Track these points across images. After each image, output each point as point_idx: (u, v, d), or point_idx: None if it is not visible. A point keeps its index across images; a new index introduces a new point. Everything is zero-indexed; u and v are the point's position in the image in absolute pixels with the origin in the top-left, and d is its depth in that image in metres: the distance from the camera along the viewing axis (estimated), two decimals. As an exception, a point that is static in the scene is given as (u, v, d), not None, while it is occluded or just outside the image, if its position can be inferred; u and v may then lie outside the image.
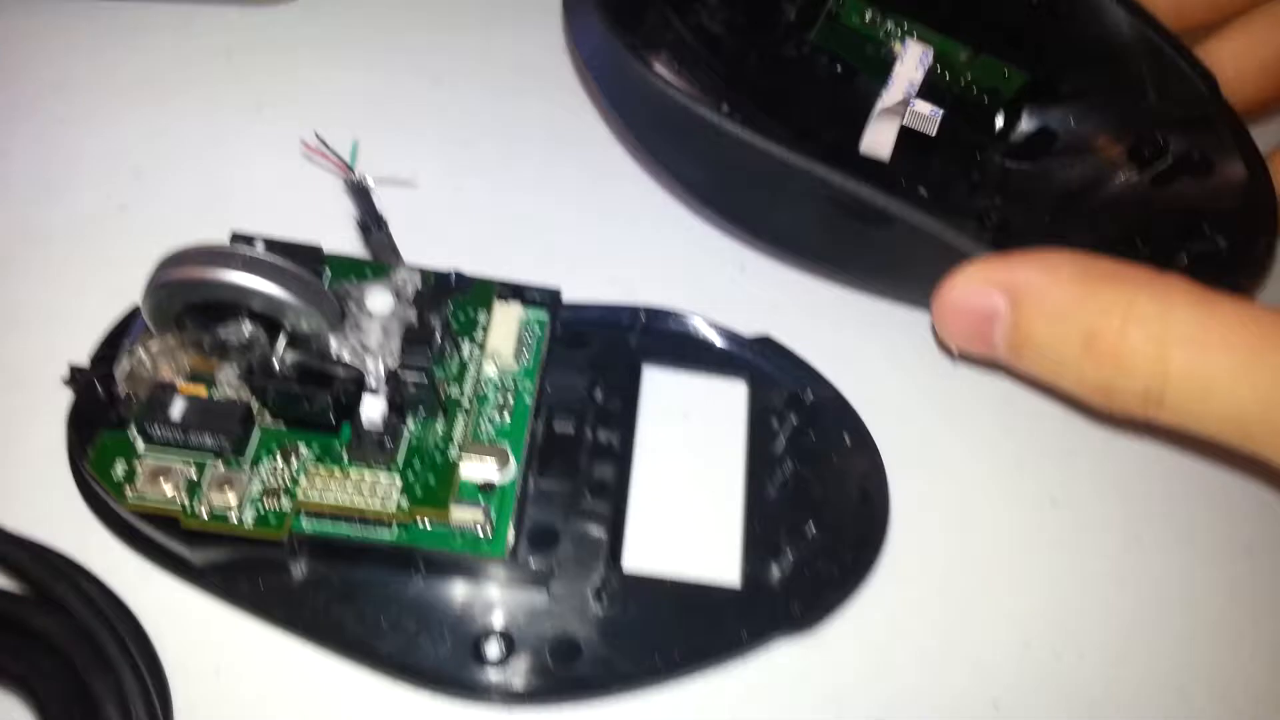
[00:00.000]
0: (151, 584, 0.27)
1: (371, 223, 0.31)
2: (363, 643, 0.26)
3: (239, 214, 0.34)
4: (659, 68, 0.32)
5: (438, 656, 0.26)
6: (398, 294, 0.26)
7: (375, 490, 0.26)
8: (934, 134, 0.32)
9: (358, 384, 0.26)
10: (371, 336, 0.26)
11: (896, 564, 0.30)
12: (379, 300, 0.26)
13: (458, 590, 0.28)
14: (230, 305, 0.25)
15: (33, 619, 0.23)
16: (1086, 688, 0.29)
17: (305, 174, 0.36)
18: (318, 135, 0.32)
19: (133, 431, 0.26)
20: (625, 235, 0.37)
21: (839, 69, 0.37)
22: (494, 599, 0.28)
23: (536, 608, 0.28)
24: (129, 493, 0.25)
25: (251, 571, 0.26)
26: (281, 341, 0.25)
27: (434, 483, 0.26)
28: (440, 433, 0.27)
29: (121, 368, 0.26)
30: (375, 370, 0.25)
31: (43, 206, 0.34)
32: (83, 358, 0.29)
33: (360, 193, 0.32)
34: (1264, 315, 0.23)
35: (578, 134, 0.39)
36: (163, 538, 0.26)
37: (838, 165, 0.30)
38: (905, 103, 0.33)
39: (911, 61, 0.35)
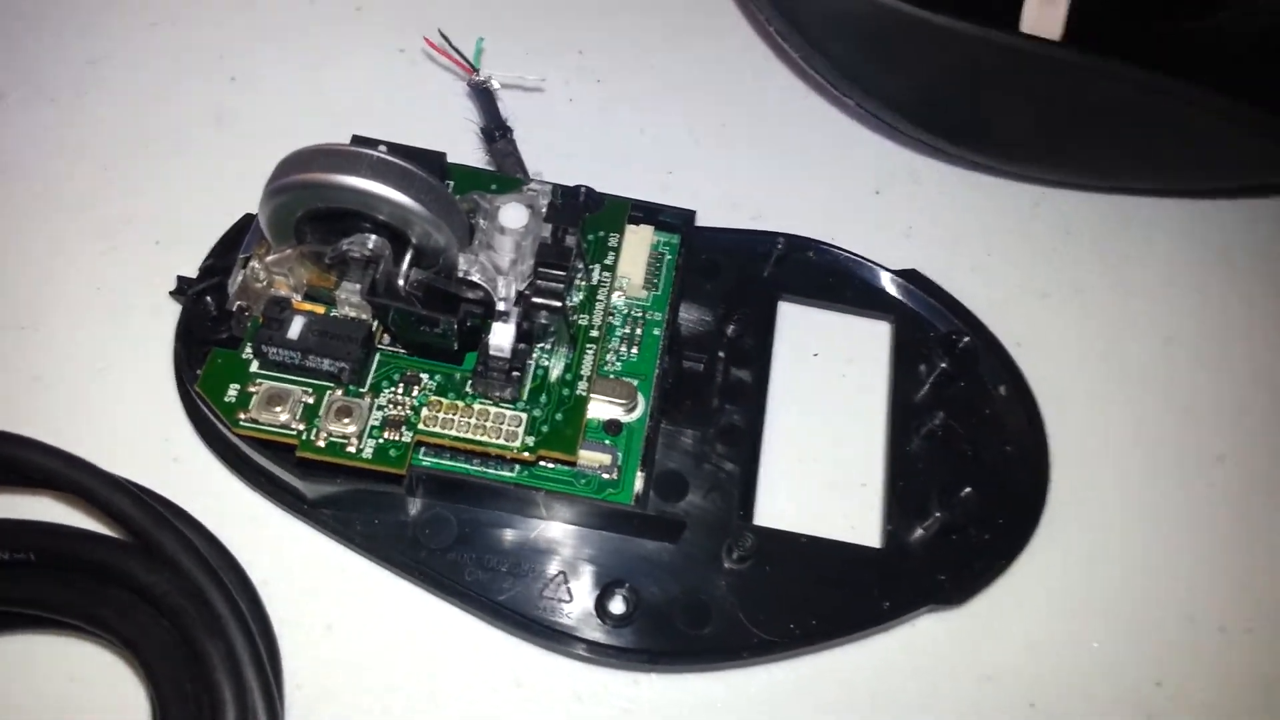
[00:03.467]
0: (261, 535, 0.25)
1: (496, 129, 0.29)
2: (482, 590, 0.25)
3: (337, 123, 0.31)
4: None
5: (560, 610, 0.25)
6: (531, 208, 0.23)
7: (500, 426, 0.24)
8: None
9: (486, 308, 0.23)
10: (504, 255, 0.23)
11: (1054, 532, 0.27)
12: (513, 215, 0.23)
13: (581, 538, 0.26)
14: (355, 214, 0.22)
15: (139, 573, 0.22)
16: (1256, 666, 0.26)
17: (406, 80, 0.33)
18: (441, 32, 0.30)
19: (247, 351, 0.24)
20: (755, 156, 0.34)
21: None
22: (619, 549, 0.25)
23: (664, 561, 0.25)
24: (241, 417, 0.23)
25: (367, 508, 0.25)
26: (408, 257, 0.23)
27: (563, 422, 0.24)
28: (567, 365, 0.25)
29: (235, 280, 0.24)
30: (506, 293, 0.23)
31: (140, 115, 0.32)
32: (180, 271, 0.27)
33: (484, 96, 0.29)
34: None
35: (710, 46, 0.36)
36: (275, 467, 0.24)
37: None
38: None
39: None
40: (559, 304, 0.23)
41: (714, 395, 0.28)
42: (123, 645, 0.22)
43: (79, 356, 0.28)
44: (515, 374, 0.23)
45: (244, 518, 0.26)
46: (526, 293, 0.23)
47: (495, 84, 0.30)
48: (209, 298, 0.25)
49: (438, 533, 0.25)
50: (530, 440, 0.24)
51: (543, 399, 0.25)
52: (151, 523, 0.22)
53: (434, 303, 0.23)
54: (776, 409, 0.28)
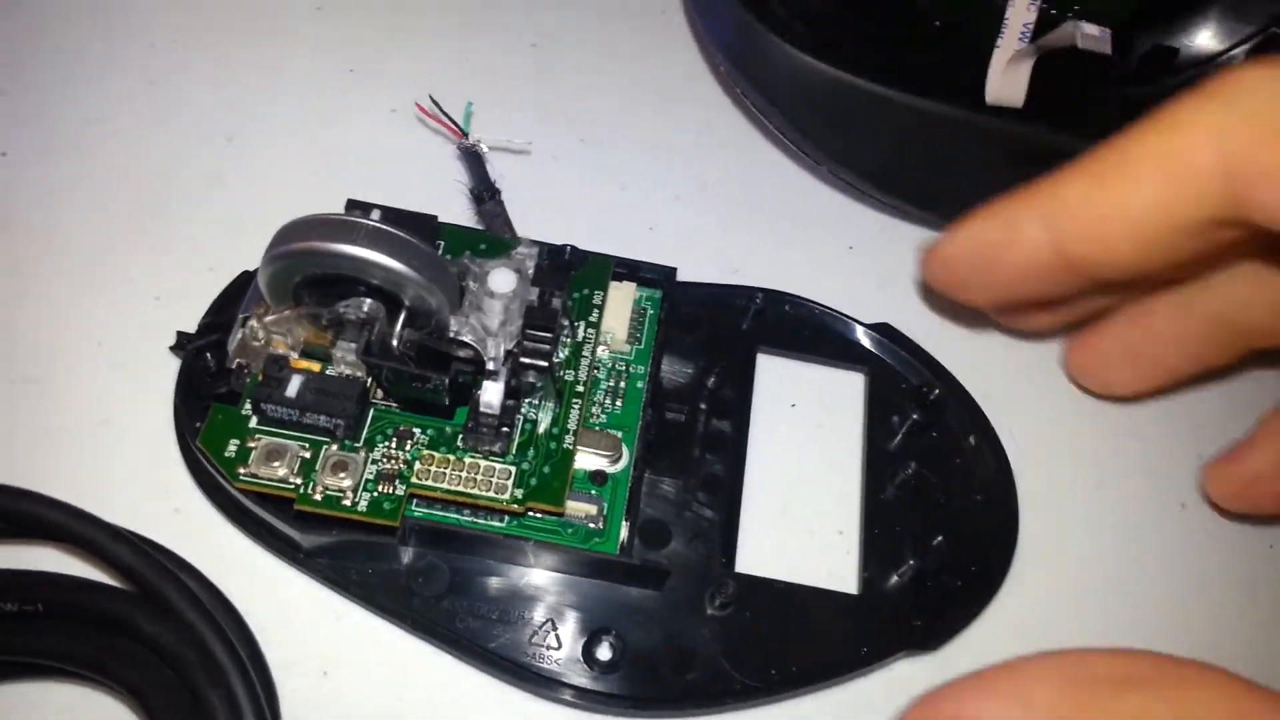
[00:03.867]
0: (258, 583, 0.26)
1: (485, 191, 0.30)
2: (473, 637, 0.25)
3: (331, 182, 0.33)
4: (802, 53, 0.30)
5: (549, 657, 0.25)
6: (519, 271, 0.24)
7: (490, 479, 0.25)
8: (1110, 51, 0.29)
9: (476, 367, 0.24)
10: (493, 317, 0.24)
11: (1025, 577, 0.28)
12: (502, 279, 0.24)
13: (568, 586, 0.26)
14: (350, 279, 0.23)
15: (143, 622, 0.22)
16: None
17: (397, 139, 0.35)
18: (431, 98, 0.31)
19: (246, 407, 0.25)
20: (733, 213, 0.35)
21: (938, 25, 0.34)
22: (605, 597, 0.26)
23: (649, 608, 0.26)
24: (241, 472, 0.24)
25: (361, 558, 0.25)
26: (401, 319, 0.24)
27: (550, 475, 0.25)
28: (554, 419, 0.26)
29: (234, 338, 0.25)
30: (495, 353, 0.24)
31: (139, 174, 0.33)
32: (179, 327, 0.28)
33: (473, 159, 0.30)
34: None
35: (689, 110, 0.37)
36: (272, 518, 0.25)
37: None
38: (1033, 47, 0.31)
39: (1022, 2, 0.32)
40: (545, 364, 0.24)
41: (695, 445, 0.29)
42: (127, 693, 0.22)
43: (81, 410, 0.28)
44: (505, 429, 0.25)
45: (242, 567, 0.26)
46: (515, 352, 0.25)
47: (484, 147, 0.31)
48: (209, 354, 0.26)
49: (430, 581, 0.26)
50: (519, 493, 0.25)
51: (530, 452, 0.25)
52: (154, 573, 0.23)
53: (426, 361, 0.24)
54: (756, 458, 0.29)
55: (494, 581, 0.26)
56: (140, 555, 0.23)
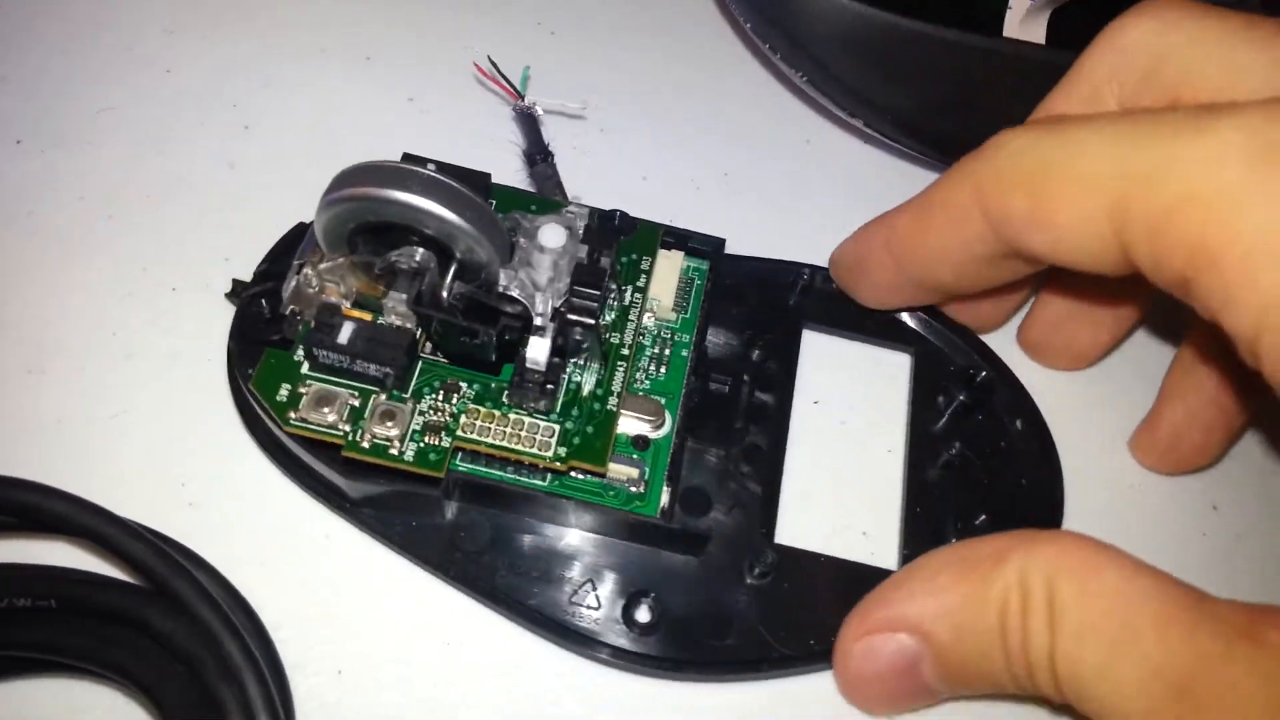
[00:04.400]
0: (273, 580, 0.26)
1: (538, 153, 0.30)
2: (512, 592, 0.25)
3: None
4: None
5: (588, 616, 0.25)
6: (569, 229, 0.24)
7: (534, 436, 0.25)
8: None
9: (524, 323, 0.24)
10: (542, 273, 0.24)
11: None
12: (552, 235, 0.24)
13: (608, 548, 0.26)
14: (404, 228, 0.24)
15: (156, 619, 0.22)
16: None
17: (415, 127, 0.34)
18: (490, 59, 0.31)
19: (299, 353, 0.25)
20: (780, 188, 0.35)
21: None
22: (645, 560, 0.26)
23: (688, 573, 0.26)
24: (292, 416, 0.24)
25: (405, 508, 0.26)
26: (451, 270, 0.24)
27: (593, 435, 0.25)
28: (599, 381, 0.26)
29: (288, 285, 0.25)
30: (543, 309, 0.24)
31: (155, 162, 0.32)
32: (192, 318, 0.29)
33: (528, 121, 0.31)
34: (1140, 579, 0.20)
35: (731, 83, 0.37)
36: (320, 465, 0.25)
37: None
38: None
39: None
40: (592, 321, 0.24)
41: (738, 416, 0.29)
42: (139, 690, 0.22)
43: (94, 401, 0.28)
44: (549, 387, 0.25)
45: (256, 563, 0.26)
46: (562, 309, 0.25)
47: (539, 110, 0.31)
48: (263, 300, 0.26)
49: (472, 536, 0.26)
50: (562, 451, 0.25)
51: (574, 412, 0.26)
52: (168, 570, 0.23)
53: (475, 315, 0.24)
54: (798, 432, 0.29)
55: (535, 540, 0.26)
56: (154, 551, 0.23)
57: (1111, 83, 0.25)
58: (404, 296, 0.25)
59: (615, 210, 0.29)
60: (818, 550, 0.27)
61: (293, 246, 0.27)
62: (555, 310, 0.24)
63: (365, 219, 0.23)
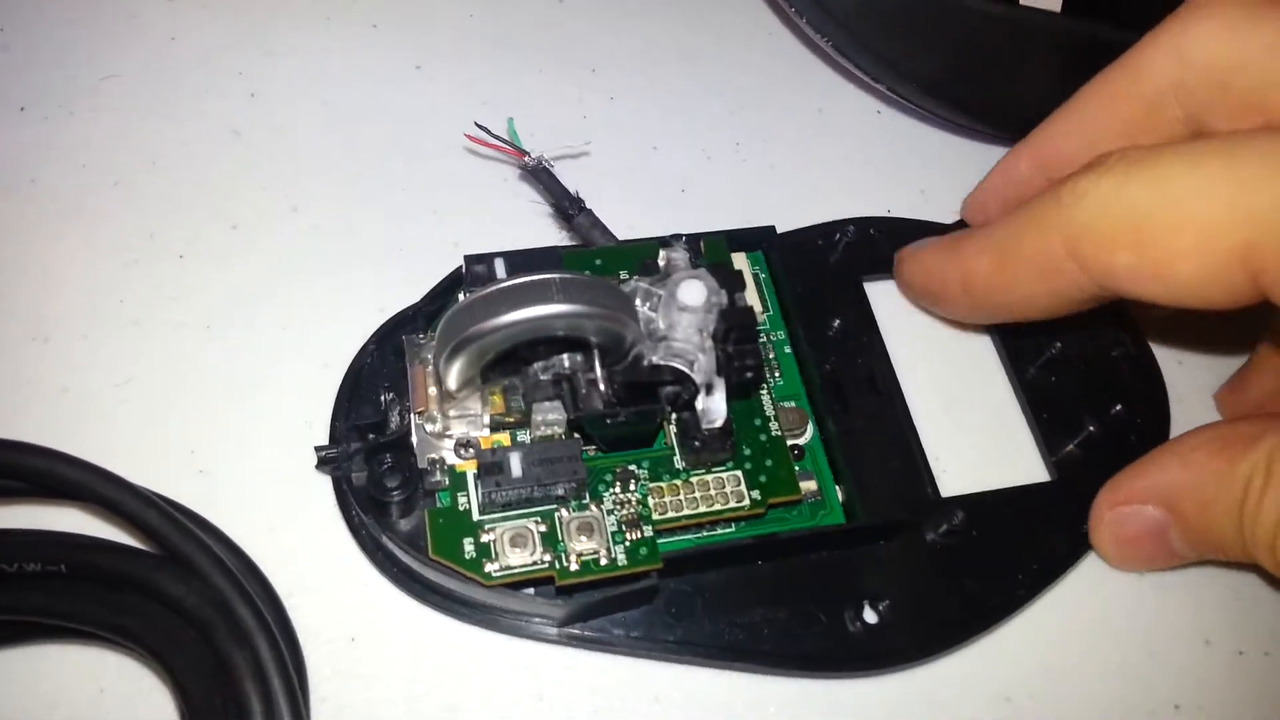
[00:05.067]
0: (284, 548, 0.25)
1: (570, 205, 0.28)
2: (744, 646, 0.25)
3: (353, 139, 0.32)
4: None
5: (814, 636, 0.25)
6: (704, 283, 0.23)
7: (723, 490, 0.24)
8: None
9: (689, 385, 0.23)
10: (691, 332, 0.23)
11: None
12: (692, 292, 0.23)
13: (808, 566, 0.26)
14: (531, 340, 0.22)
15: (167, 585, 0.22)
16: (1272, 689, 0.27)
17: (421, 94, 0.33)
18: (478, 124, 0.29)
19: (463, 502, 0.23)
20: (793, 156, 0.34)
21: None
22: (845, 564, 0.26)
23: (886, 559, 0.26)
24: (493, 570, 0.23)
25: (623, 609, 0.25)
26: (597, 362, 0.23)
27: (775, 467, 0.25)
28: (751, 411, 0.26)
29: (418, 445, 0.23)
30: (708, 366, 0.23)
31: (159, 129, 0.32)
32: (204, 289, 0.28)
33: (545, 175, 0.29)
34: None
35: (748, 47, 0.37)
36: (530, 606, 0.24)
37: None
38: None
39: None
40: (762, 367, 0.23)
41: (852, 388, 0.29)
42: (151, 656, 0.22)
43: (102, 369, 0.27)
44: (729, 436, 0.24)
45: (266, 529, 0.26)
46: (723, 359, 0.24)
47: (549, 162, 0.29)
48: (386, 460, 0.24)
49: (685, 609, 0.25)
50: (756, 494, 0.24)
51: (746, 450, 0.25)
52: (179, 536, 0.23)
53: (637, 397, 0.23)
54: (907, 383, 0.30)
55: (740, 587, 0.26)
56: (165, 517, 0.22)
57: (1178, 92, 0.23)
58: (555, 405, 0.23)
59: (680, 235, 0.28)
60: (979, 489, 0.28)
61: (352, 398, 0.26)
62: (718, 362, 0.23)
63: (502, 348, 0.22)
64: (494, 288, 0.21)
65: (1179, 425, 0.29)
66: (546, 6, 0.36)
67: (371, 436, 0.25)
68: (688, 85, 0.35)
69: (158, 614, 0.22)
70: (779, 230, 0.31)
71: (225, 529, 0.25)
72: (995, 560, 0.27)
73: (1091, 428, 0.29)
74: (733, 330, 0.23)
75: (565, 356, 0.22)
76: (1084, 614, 0.27)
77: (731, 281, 0.24)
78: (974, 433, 0.30)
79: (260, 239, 0.30)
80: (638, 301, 0.24)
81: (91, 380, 0.27)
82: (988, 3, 0.30)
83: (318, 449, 0.25)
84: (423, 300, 0.28)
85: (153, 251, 0.29)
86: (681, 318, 0.23)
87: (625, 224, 0.29)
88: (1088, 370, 0.30)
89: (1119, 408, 0.29)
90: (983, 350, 0.31)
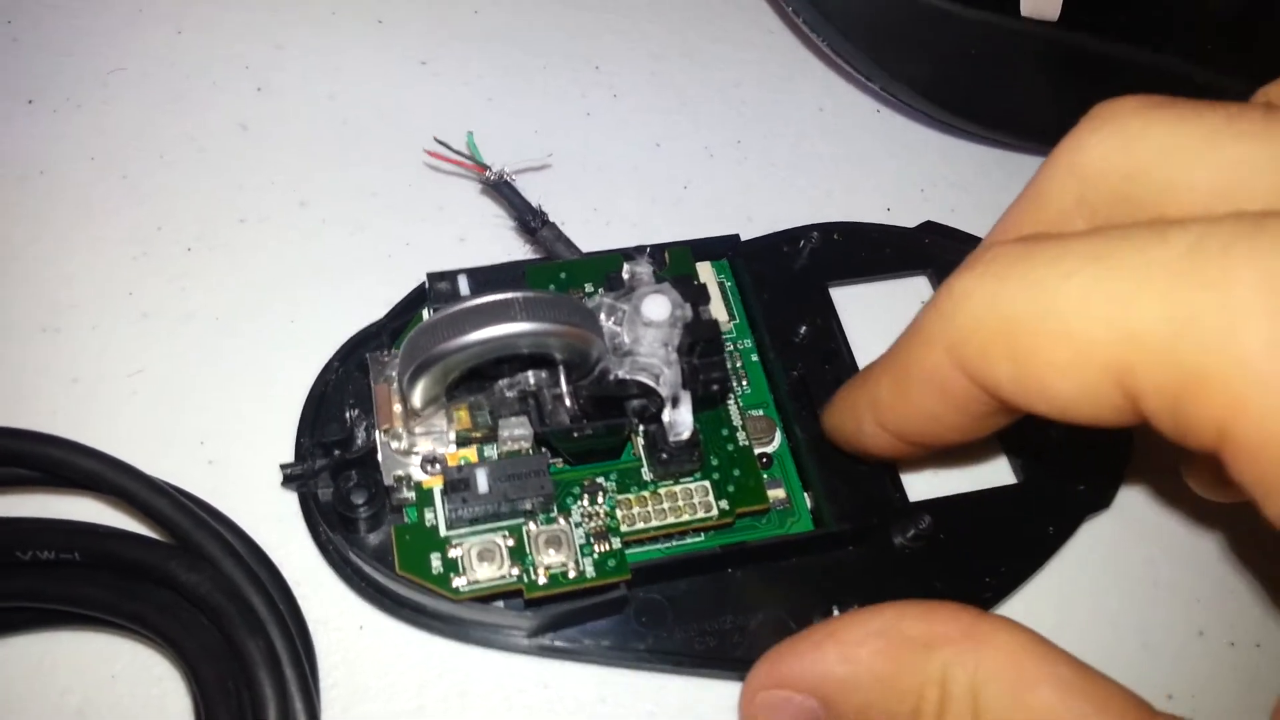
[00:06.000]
0: (293, 536, 0.26)
1: (532, 219, 0.29)
2: (715, 654, 0.25)
3: (360, 133, 0.33)
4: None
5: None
6: (668, 297, 0.23)
7: (692, 501, 0.24)
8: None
9: (652, 396, 0.23)
10: (657, 346, 0.23)
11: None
12: (656, 307, 0.23)
13: (779, 573, 0.26)
14: (500, 359, 0.22)
15: (181, 573, 0.22)
16: (1263, 680, 0.27)
17: (428, 90, 0.34)
18: (437, 139, 0.29)
19: (430, 518, 0.23)
20: (795, 154, 0.35)
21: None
22: (814, 568, 0.26)
23: (856, 564, 0.27)
24: (460, 585, 0.23)
25: (593, 619, 0.25)
26: (562, 376, 0.23)
27: (743, 476, 0.25)
28: (719, 420, 0.26)
29: (383, 462, 0.23)
30: (674, 379, 0.23)
31: (167, 123, 0.32)
32: (209, 284, 0.28)
33: (506, 189, 0.29)
34: (1075, 699, 0.18)
35: (751, 46, 0.37)
36: (497, 617, 0.24)
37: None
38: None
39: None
40: (729, 378, 0.24)
41: (821, 393, 0.29)
42: (165, 643, 0.22)
43: (112, 359, 0.28)
44: (697, 449, 0.24)
45: (275, 518, 0.26)
46: (688, 372, 0.24)
47: (510, 176, 0.29)
48: (351, 477, 0.24)
49: (655, 618, 0.25)
50: (724, 504, 0.25)
51: (714, 461, 0.25)
52: (192, 525, 0.23)
53: (605, 410, 0.23)
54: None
55: (705, 595, 0.26)
56: (178, 506, 0.23)
57: (1081, 208, 0.21)
58: (521, 420, 0.23)
59: (645, 246, 0.28)
60: (945, 494, 0.28)
61: (318, 415, 0.26)
62: (684, 374, 0.23)
63: (466, 367, 0.22)
64: (457, 307, 0.22)
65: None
66: (550, 3, 0.37)
67: (337, 453, 0.25)
68: (690, 83, 0.36)
69: (171, 602, 0.22)
70: (749, 235, 0.31)
71: (235, 518, 0.25)
72: (963, 563, 0.27)
73: (1054, 430, 0.29)
74: (698, 344, 0.24)
75: (530, 373, 0.23)
76: (1078, 604, 0.28)
77: (696, 294, 0.24)
78: (940, 438, 0.30)
79: (268, 232, 0.31)
80: (602, 316, 0.24)
81: (102, 371, 0.28)
82: (985, 13, 0.31)
83: (283, 466, 0.25)
84: (385, 317, 0.28)
85: (161, 244, 0.30)
86: (646, 332, 0.23)
87: (629, 221, 0.31)
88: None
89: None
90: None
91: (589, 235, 0.30)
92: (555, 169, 0.32)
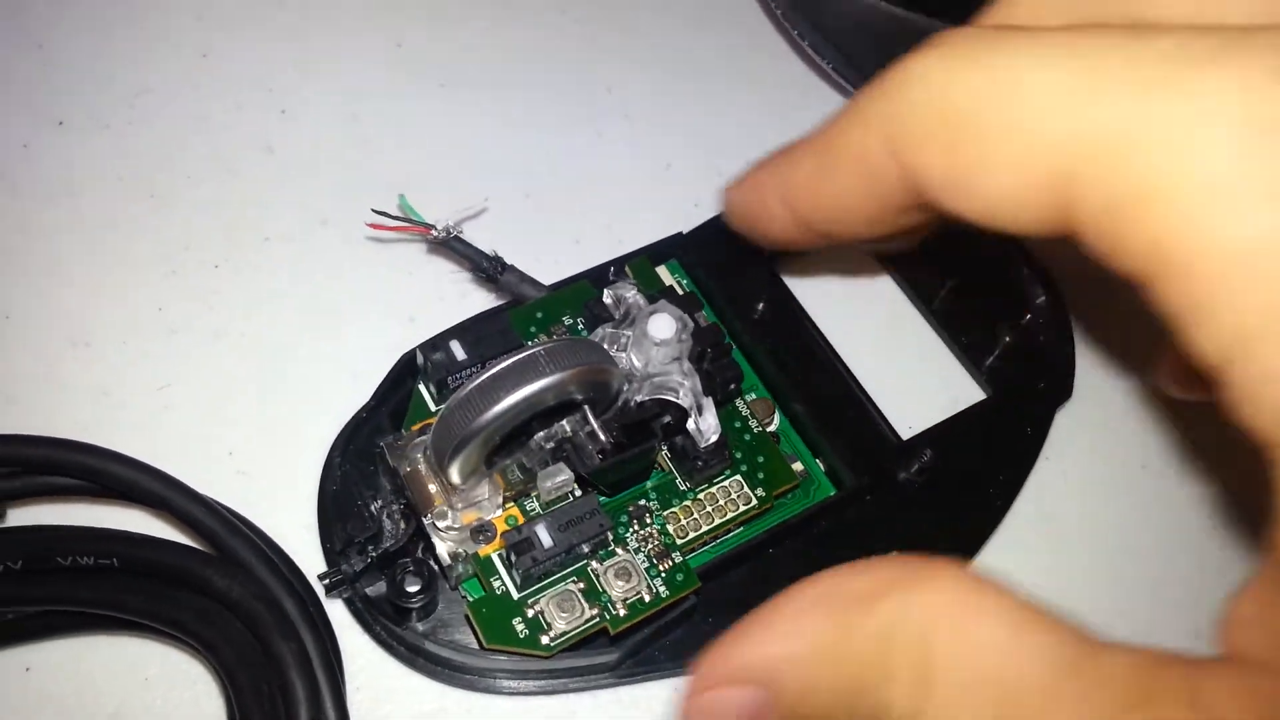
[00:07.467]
0: (317, 543, 0.26)
1: (490, 266, 0.29)
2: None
3: (381, 154, 0.33)
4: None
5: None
6: (671, 314, 0.24)
7: (731, 497, 0.25)
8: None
9: (677, 411, 0.24)
10: (670, 362, 0.24)
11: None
12: (661, 326, 0.24)
13: (810, 544, 0.27)
14: (536, 416, 0.22)
15: (215, 579, 0.23)
16: None
17: (446, 111, 0.35)
18: (375, 209, 0.29)
19: (499, 583, 0.24)
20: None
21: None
22: (840, 531, 0.28)
23: (879, 514, 0.28)
24: (549, 641, 0.23)
25: (669, 632, 0.25)
26: (589, 415, 0.23)
27: (768, 460, 0.26)
28: (730, 416, 0.27)
29: (438, 544, 0.23)
30: (693, 389, 0.24)
31: (195, 144, 0.33)
32: (235, 298, 0.29)
33: (456, 243, 0.29)
34: (1027, 633, 0.16)
35: (763, 66, 0.38)
36: (587, 658, 0.24)
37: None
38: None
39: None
40: (741, 375, 0.25)
41: (797, 366, 0.31)
42: (200, 647, 0.23)
43: (141, 374, 0.29)
44: (725, 446, 0.25)
45: (303, 527, 0.27)
46: (712, 376, 0.25)
47: (455, 230, 0.29)
48: (408, 571, 0.24)
49: (718, 612, 0.26)
50: (760, 492, 0.26)
51: (738, 454, 0.26)
52: (227, 532, 0.24)
53: (637, 436, 0.24)
54: (842, 347, 0.31)
55: (756, 580, 0.27)
56: (213, 515, 0.24)
57: (1054, 6, 0.19)
58: (558, 468, 0.24)
59: (607, 265, 0.28)
60: (930, 424, 0.30)
61: (338, 517, 0.25)
62: (701, 383, 0.24)
63: (505, 432, 0.22)
64: (483, 377, 0.22)
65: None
66: (563, 25, 0.37)
67: (370, 549, 0.25)
68: (700, 105, 0.37)
69: (206, 607, 0.23)
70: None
71: (264, 527, 0.26)
72: (967, 481, 0.29)
73: (1008, 338, 0.31)
74: (708, 349, 0.24)
75: (564, 422, 0.23)
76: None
77: (688, 303, 0.25)
78: (908, 375, 0.32)
79: (293, 251, 0.31)
80: (609, 348, 0.25)
81: (130, 384, 0.29)
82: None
83: (321, 576, 0.25)
84: (373, 398, 0.27)
85: (189, 263, 0.31)
86: (658, 352, 0.24)
87: (641, 242, 0.31)
88: (988, 288, 0.33)
89: (1027, 316, 0.32)
90: (890, 293, 0.33)
91: (606, 253, 0.30)
92: (568, 189, 0.33)
